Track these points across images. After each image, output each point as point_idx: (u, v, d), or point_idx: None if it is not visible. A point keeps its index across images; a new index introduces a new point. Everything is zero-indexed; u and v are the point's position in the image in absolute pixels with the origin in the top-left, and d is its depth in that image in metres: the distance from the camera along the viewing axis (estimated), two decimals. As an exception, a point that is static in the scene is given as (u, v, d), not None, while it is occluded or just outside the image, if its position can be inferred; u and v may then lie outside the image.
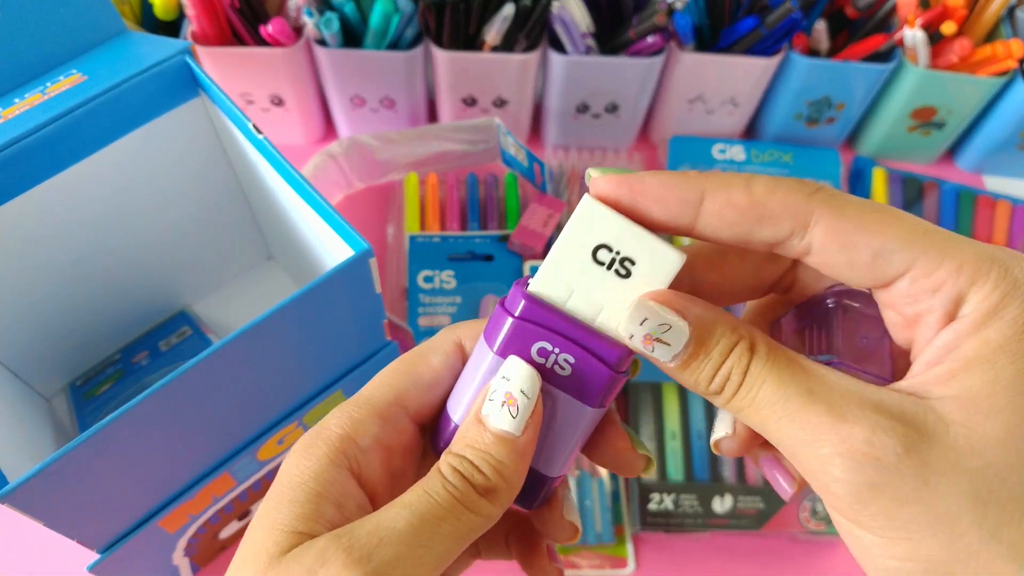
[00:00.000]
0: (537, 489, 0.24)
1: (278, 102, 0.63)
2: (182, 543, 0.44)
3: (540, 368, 0.22)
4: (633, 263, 0.22)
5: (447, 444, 0.24)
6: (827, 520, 0.52)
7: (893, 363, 0.22)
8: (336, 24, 0.56)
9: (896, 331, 0.22)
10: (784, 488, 0.24)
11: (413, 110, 0.65)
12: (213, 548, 0.48)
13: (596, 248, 0.22)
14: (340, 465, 0.22)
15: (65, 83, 0.40)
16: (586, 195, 0.22)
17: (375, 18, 0.57)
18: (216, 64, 0.59)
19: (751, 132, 0.72)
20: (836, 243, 0.20)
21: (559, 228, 0.59)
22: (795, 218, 0.20)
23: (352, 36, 0.59)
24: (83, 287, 0.49)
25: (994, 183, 0.70)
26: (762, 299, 0.27)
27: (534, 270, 0.47)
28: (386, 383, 0.24)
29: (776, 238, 0.21)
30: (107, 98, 0.40)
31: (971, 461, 0.18)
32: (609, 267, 0.22)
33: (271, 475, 0.45)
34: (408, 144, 0.62)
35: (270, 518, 0.22)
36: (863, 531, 0.19)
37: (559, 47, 0.60)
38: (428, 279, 0.58)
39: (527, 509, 0.25)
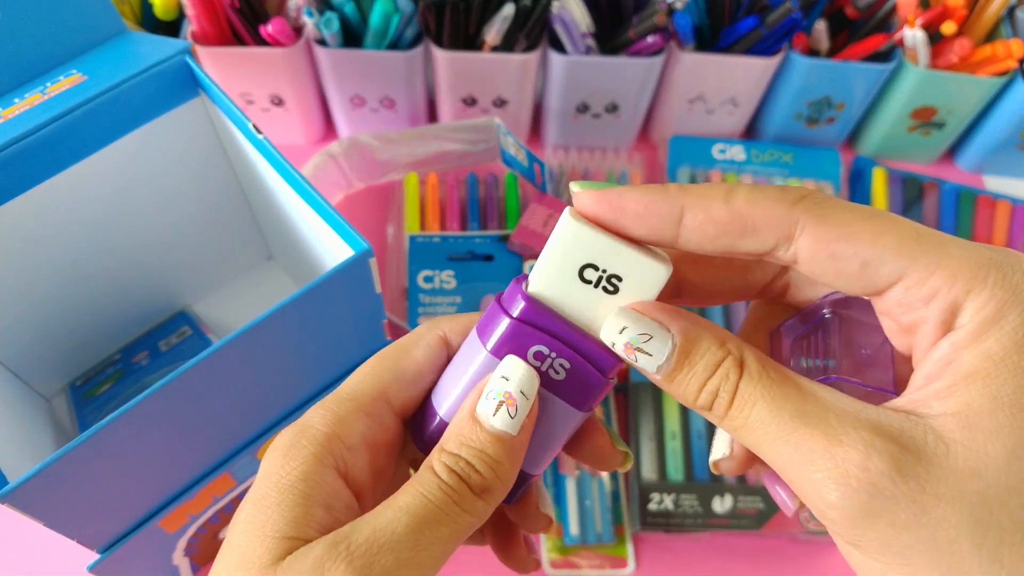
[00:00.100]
0: (518, 484, 0.24)
1: (278, 102, 0.63)
2: (182, 543, 0.44)
3: (535, 371, 0.22)
4: (620, 279, 0.22)
5: (432, 438, 0.24)
6: (827, 520, 0.52)
7: (895, 371, 0.22)
8: (336, 24, 0.56)
9: (895, 338, 0.21)
10: (787, 504, 0.24)
11: (413, 110, 0.65)
12: (213, 548, 0.48)
13: (582, 268, 0.22)
14: (327, 465, 0.22)
15: (65, 83, 0.40)
16: (566, 212, 0.22)
17: (375, 18, 0.57)
18: (216, 64, 0.59)
19: (751, 132, 0.72)
20: (823, 253, 0.20)
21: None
22: (779, 229, 0.20)
23: (352, 36, 0.59)
24: (83, 287, 0.49)
25: (994, 183, 0.70)
26: (760, 309, 0.26)
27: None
28: (369, 378, 0.24)
29: (760, 249, 0.20)
30: (107, 98, 0.40)
31: (971, 484, 0.18)
32: (596, 285, 0.22)
33: (271, 475, 0.45)
34: (408, 144, 0.62)
35: (257, 523, 0.21)
36: (861, 554, 0.19)
37: (559, 47, 0.60)
38: (428, 279, 0.58)
39: (505, 503, 0.25)
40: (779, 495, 0.24)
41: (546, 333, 0.22)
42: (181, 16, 0.60)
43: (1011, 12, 0.62)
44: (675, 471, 0.53)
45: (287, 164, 0.38)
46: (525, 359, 0.22)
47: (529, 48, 0.60)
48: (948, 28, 0.60)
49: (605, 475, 0.53)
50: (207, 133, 0.47)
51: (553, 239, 0.22)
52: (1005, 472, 0.17)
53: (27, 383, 0.52)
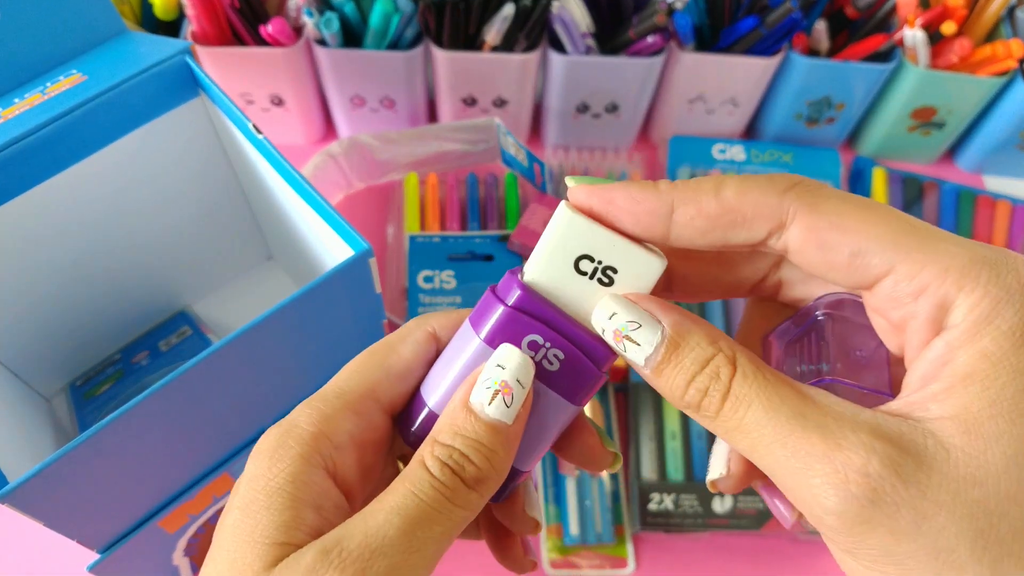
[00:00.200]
0: (507, 481, 0.24)
1: (278, 102, 0.63)
2: (182, 543, 0.44)
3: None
4: (615, 271, 0.22)
5: (421, 431, 0.23)
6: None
7: (891, 373, 0.21)
8: (336, 24, 0.56)
9: (885, 338, 0.21)
10: (784, 516, 0.24)
11: (413, 110, 0.65)
12: (213, 548, 0.48)
13: (578, 259, 0.22)
14: (315, 465, 0.21)
15: (65, 83, 0.40)
16: (562, 204, 0.22)
17: (375, 18, 0.57)
18: (216, 64, 0.59)
19: (751, 132, 0.72)
20: (812, 242, 0.20)
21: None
22: (770, 219, 0.20)
23: (352, 36, 0.59)
24: (83, 287, 0.49)
25: (994, 183, 0.70)
26: (755, 313, 0.26)
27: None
28: (356, 375, 0.23)
29: (753, 240, 0.20)
30: (107, 98, 0.40)
31: (971, 492, 0.17)
32: (592, 276, 0.22)
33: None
34: (408, 144, 0.62)
35: (246, 528, 0.20)
36: (857, 562, 0.18)
37: (559, 47, 0.60)
38: (428, 279, 0.58)
39: (492, 501, 0.24)
40: (776, 507, 0.24)
41: (541, 322, 0.22)
42: (181, 16, 0.60)
43: (1011, 12, 0.62)
44: (675, 471, 0.53)
45: (287, 164, 0.38)
46: (520, 348, 0.22)
47: (529, 48, 0.60)
48: (948, 28, 0.60)
49: (605, 475, 0.53)
50: (207, 133, 0.47)
51: (550, 229, 0.22)
52: (1005, 480, 0.17)
53: (27, 383, 0.52)
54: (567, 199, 0.22)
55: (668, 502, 0.52)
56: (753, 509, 0.52)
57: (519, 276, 0.22)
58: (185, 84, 0.43)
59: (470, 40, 0.59)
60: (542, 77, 0.64)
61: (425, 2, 0.56)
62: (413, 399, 0.24)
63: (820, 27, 0.61)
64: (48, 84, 0.41)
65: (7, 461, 0.37)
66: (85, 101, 0.39)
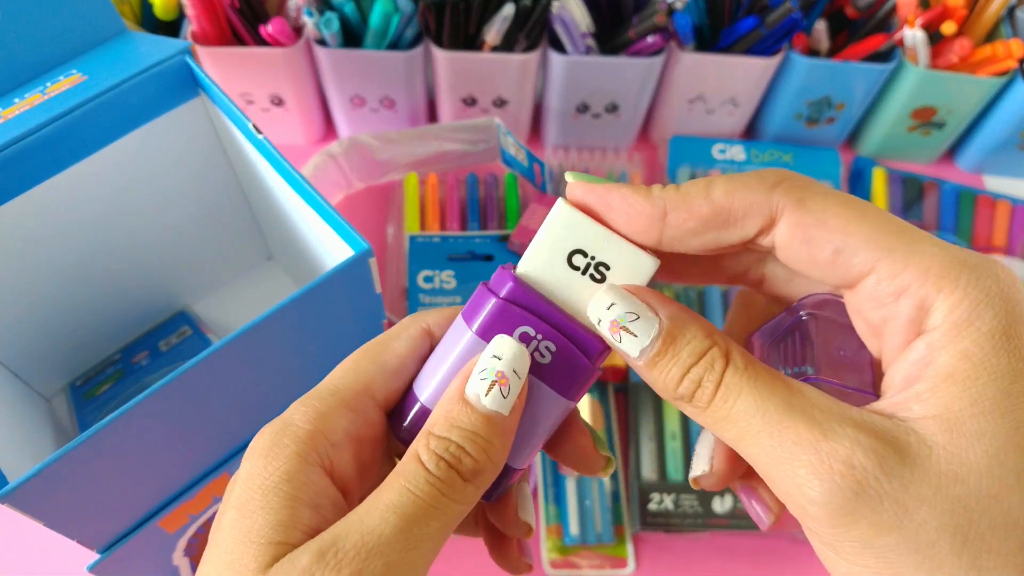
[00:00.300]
0: (500, 480, 0.23)
1: (278, 102, 0.63)
2: (182, 543, 0.44)
3: None
4: (608, 268, 0.22)
5: (413, 426, 0.23)
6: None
7: (875, 373, 0.21)
8: (336, 24, 0.56)
9: (865, 340, 0.21)
10: (761, 518, 0.24)
11: (413, 110, 0.65)
12: (213, 548, 0.48)
13: (571, 253, 0.22)
14: (312, 463, 0.21)
15: (65, 83, 0.40)
16: (560, 200, 0.22)
17: (375, 18, 0.57)
18: (216, 64, 0.59)
19: (751, 132, 0.72)
20: (798, 238, 0.20)
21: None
22: (760, 215, 0.20)
23: (352, 36, 0.59)
24: (83, 287, 0.49)
25: (994, 183, 0.70)
26: (739, 312, 0.26)
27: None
28: (352, 372, 0.23)
29: (745, 237, 0.21)
30: (107, 98, 0.40)
31: (953, 488, 0.17)
32: (584, 272, 0.22)
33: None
34: (408, 144, 0.62)
35: (243, 528, 0.20)
36: (839, 558, 0.19)
37: (559, 47, 0.60)
38: (428, 279, 0.58)
39: (485, 500, 0.24)
40: (753, 508, 0.24)
41: (533, 314, 0.22)
42: (181, 16, 0.60)
43: (1011, 12, 0.62)
44: (675, 471, 0.53)
45: (287, 164, 0.38)
46: None
47: (529, 48, 0.60)
48: (948, 28, 0.60)
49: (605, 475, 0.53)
50: (207, 133, 0.47)
51: (546, 223, 0.22)
52: (987, 478, 0.17)
53: (27, 383, 0.52)
54: (565, 195, 0.22)
55: (668, 502, 0.52)
56: (753, 509, 0.52)
57: (511, 269, 0.22)
58: (185, 84, 0.43)
59: (470, 40, 0.59)
60: (542, 77, 0.64)
61: (425, 2, 0.56)
62: (405, 395, 0.24)
63: (820, 27, 0.61)
64: (48, 84, 0.41)
65: (7, 461, 0.37)
66: (85, 101, 0.39)
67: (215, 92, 0.41)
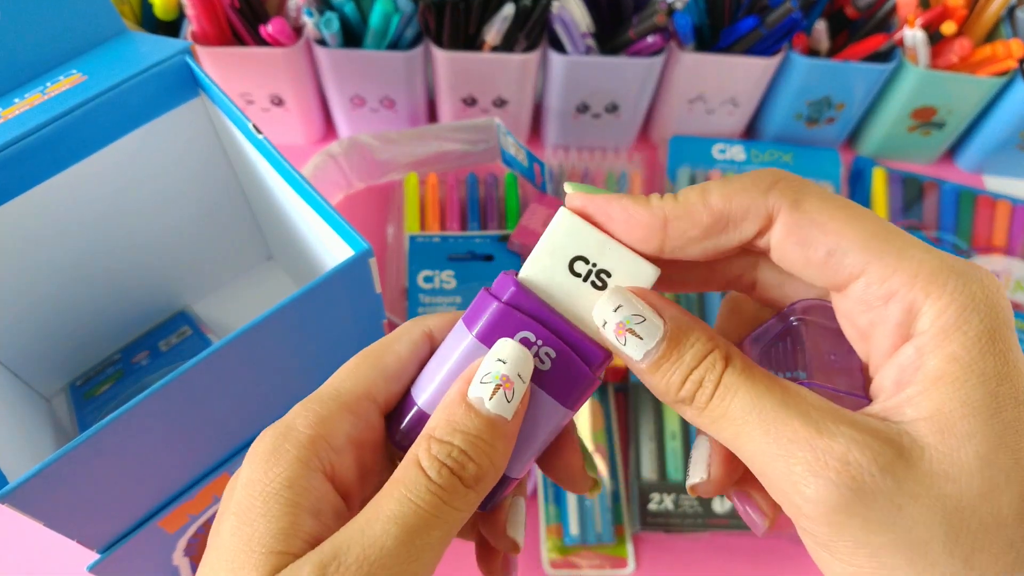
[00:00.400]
0: (496, 489, 0.23)
1: (278, 102, 0.63)
2: (182, 543, 0.44)
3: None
4: (609, 275, 0.22)
5: (409, 430, 0.23)
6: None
7: (865, 377, 0.22)
8: (336, 24, 0.56)
9: (854, 344, 0.21)
10: (756, 523, 0.24)
11: (413, 110, 0.65)
12: (213, 548, 0.48)
13: (573, 260, 0.22)
14: (314, 469, 0.21)
15: (65, 83, 0.40)
16: (562, 207, 0.22)
17: (375, 18, 0.57)
18: (216, 64, 0.59)
19: (751, 132, 0.72)
20: (792, 238, 0.20)
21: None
22: (758, 218, 0.20)
23: (352, 36, 0.59)
24: (83, 287, 0.49)
25: (994, 183, 0.70)
26: (731, 319, 0.26)
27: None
28: (353, 376, 0.23)
29: (744, 239, 0.21)
30: (107, 98, 0.40)
31: (945, 487, 0.18)
32: (585, 279, 0.22)
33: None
34: (408, 144, 0.62)
35: (243, 534, 0.20)
36: (833, 558, 0.19)
37: (559, 47, 0.60)
38: (428, 279, 0.58)
39: (480, 509, 0.24)
40: (748, 514, 0.24)
41: (534, 319, 0.22)
42: (181, 16, 0.60)
43: (1011, 12, 0.62)
44: (675, 471, 0.53)
45: (287, 164, 0.38)
46: None
47: (529, 48, 0.60)
48: (948, 28, 0.60)
49: (605, 475, 0.53)
50: (207, 133, 0.47)
51: (548, 230, 0.22)
52: (978, 478, 0.18)
53: (27, 383, 0.52)
54: (565, 203, 0.23)
55: (668, 502, 0.52)
56: (753, 509, 0.52)
57: (513, 275, 0.22)
58: (185, 84, 0.43)
59: (470, 40, 0.59)
60: (542, 77, 0.64)
61: (425, 2, 0.56)
62: (402, 399, 0.24)
63: (820, 27, 0.61)
64: (48, 84, 0.41)
65: (7, 461, 0.37)
66: (85, 101, 0.39)
67: (215, 92, 0.41)
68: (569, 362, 0.22)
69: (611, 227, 0.22)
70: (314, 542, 0.20)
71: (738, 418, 0.20)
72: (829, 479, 0.18)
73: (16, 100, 0.40)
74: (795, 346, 0.23)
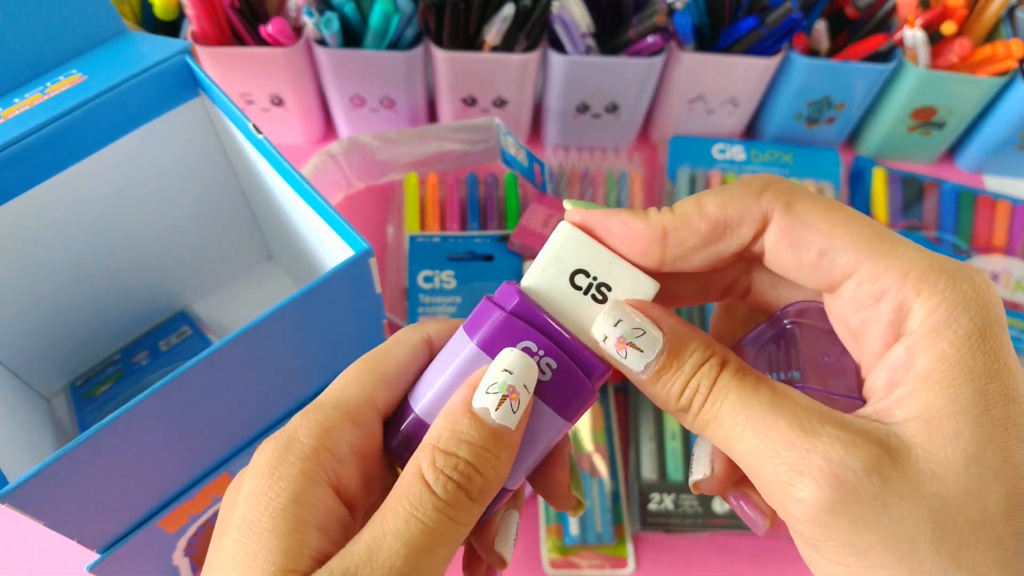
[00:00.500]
0: (494, 500, 0.23)
1: (278, 102, 0.63)
2: (182, 543, 0.44)
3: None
4: (609, 288, 0.22)
5: (406, 439, 0.23)
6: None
7: (859, 378, 0.22)
8: (336, 24, 0.56)
9: (846, 345, 0.21)
10: (756, 523, 0.24)
11: (413, 110, 0.65)
12: (213, 548, 0.48)
13: (573, 273, 0.22)
14: (319, 482, 0.20)
15: (65, 83, 0.40)
16: (563, 221, 0.22)
17: (375, 18, 0.57)
18: (216, 64, 0.59)
19: (751, 132, 0.72)
20: (785, 240, 0.20)
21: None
22: (753, 221, 0.21)
23: (352, 36, 0.59)
24: (83, 287, 0.49)
25: (994, 183, 0.70)
26: (724, 321, 0.27)
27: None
28: (354, 383, 0.22)
29: (741, 245, 0.21)
30: (107, 98, 0.40)
31: (931, 486, 0.18)
32: (586, 292, 0.22)
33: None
34: (408, 144, 0.62)
35: (248, 552, 0.19)
36: (823, 558, 0.19)
37: (559, 47, 0.60)
38: (428, 279, 0.58)
39: None
40: (746, 514, 0.24)
41: (536, 329, 0.22)
42: (181, 16, 0.60)
43: (1011, 12, 0.62)
44: (675, 471, 0.53)
45: (287, 164, 0.38)
46: None
47: (529, 48, 0.60)
48: (948, 28, 0.60)
49: (605, 475, 0.53)
50: (207, 133, 0.47)
51: (548, 243, 0.22)
52: (965, 476, 0.18)
53: (27, 383, 0.52)
54: (564, 217, 0.23)
55: (668, 502, 0.52)
56: (753, 509, 0.52)
57: (516, 285, 0.23)
58: (185, 84, 0.43)
59: (470, 40, 0.59)
60: (542, 77, 0.64)
61: (425, 2, 0.56)
62: (401, 406, 0.23)
63: (820, 27, 0.61)
64: (48, 84, 0.41)
65: (7, 461, 0.37)
66: (85, 101, 0.39)
67: (215, 92, 0.41)
68: (570, 373, 0.22)
69: (611, 241, 0.22)
70: (321, 558, 0.19)
71: (727, 421, 0.20)
72: (814, 478, 0.18)
73: (16, 100, 0.40)
74: (789, 348, 0.23)
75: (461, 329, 0.23)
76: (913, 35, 0.60)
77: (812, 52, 0.63)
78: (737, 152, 0.67)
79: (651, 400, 0.22)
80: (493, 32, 0.57)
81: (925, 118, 0.66)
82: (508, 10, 0.56)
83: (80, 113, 0.39)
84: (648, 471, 0.53)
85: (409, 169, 0.63)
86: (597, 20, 0.60)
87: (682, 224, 0.21)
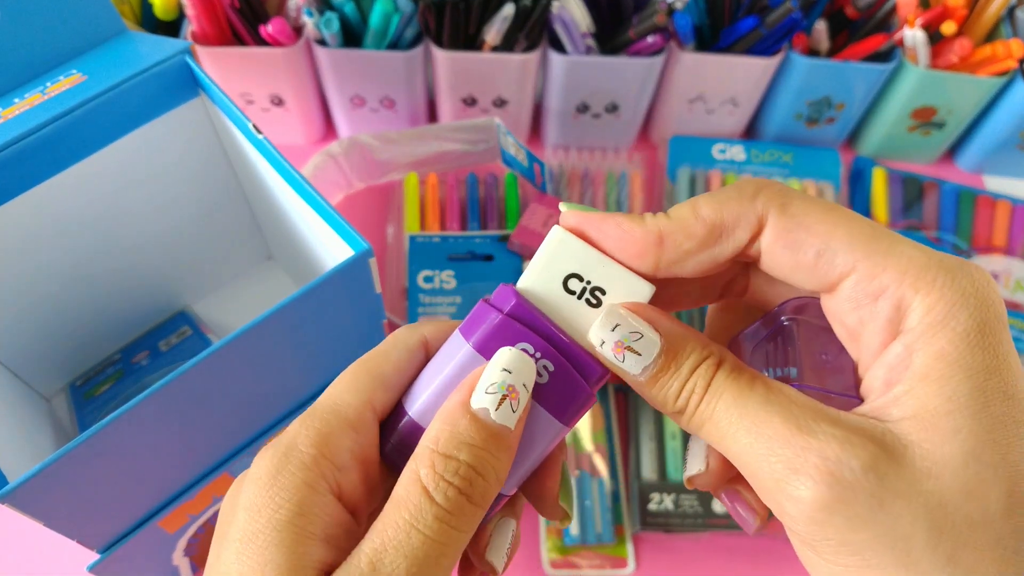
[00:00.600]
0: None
1: (278, 102, 0.63)
2: (182, 543, 0.44)
3: None
4: (603, 292, 0.22)
5: (401, 441, 0.22)
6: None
7: (856, 376, 0.22)
8: (336, 24, 0.56)
9: (846, 345, 0.21)
10: (747, 521, 0.24)
11: (413, 110, 0.65)
12: (213, 548, 0.48)
13: (567, 277, 0.22)
14: (321, 491, 0.20)
15: (65, 83, 0.40)
16: (556, 226, 0.22)
17: (375, 18, 0.57)
18: (216, 64, 0.59)
19: (751, 132, 0.72)
20: (781, 242, 0.20)
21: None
22: (749, 224, 0.21)
23: (352, 36, 0.59)
24: (83, 287, 0.49)
25: (994, 183, 0.70)
26: (718, 319, 0.26)
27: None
28: (352, 387, 0.22)
29: (737, 249, 0.21)
30: (107, 98, 0.40)
31: (928, 484, 0.18)
32: (580, 296, 0.22)
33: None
34: (408, 144, 0.62)
35: (252, 565, 0.19)
36: (819, 558, 0.19)
37: (559, 47, 0.60)
38: (428, 279, 0.58)
39: None
40: (738, 513, 0.24)
41: (533, 331, 0.22)
42: (181, 16, 0.60)
43: (1011, 12, 0.62)
44: (675, 471, 0.53)
45: (287, 164, 0.38)
46: None
47: (529, 48, 0.60)
48: (948, 28, 0.60)
49: (605, 475, 0.53)
50: (207, 133, 0.47)
51: (542, 247, 0.22)
52: (962, 474, 0.18)
53: (27, 383, 0.52)
54: (559, 221, 0.23)
55: (668, 502, 0.52)
56: (753, 509, 0.52)
57: (512, 287, 0.22)
58: (185, 84, 0.43)
59: (470, 40, 0.59)
60: (542, 77, 0.64)
61: (425, 2, 0.56)
62: (395, 409, 0.23)
63: (820, 27, 0.61)
64: (48, 84, 0.41)
65: (7, 461, 0.37)
66: (85, 101, 0.39)
67: (215, 92, 0.41)
68: (567, 376, 0.22)
69: (606, 245, 0.22)
70: (326, 569, 0.19)
71: (722, 420, 0.20)
72: (810, 476, 0.18)
73: (16, 100, 0.40)
74: (786, 345, 0.23)
75: (457, 331, 0.23)
76: (913, 35, 0.60)
77: (812, 52, 0.63)
78: (737, 152, 0.67)
79: (648, 402, 0.21)
80: (493, 32, 0.57)
81: (925, 118, 0.66)
82: (508, 10, 0.56)
83: (80, 113, 0.39)
84: (648, 471, 0.53)
85: (409, 169, 0.63)
86: (597, 20, 0.60)
87: (678, 228, 0.21)
